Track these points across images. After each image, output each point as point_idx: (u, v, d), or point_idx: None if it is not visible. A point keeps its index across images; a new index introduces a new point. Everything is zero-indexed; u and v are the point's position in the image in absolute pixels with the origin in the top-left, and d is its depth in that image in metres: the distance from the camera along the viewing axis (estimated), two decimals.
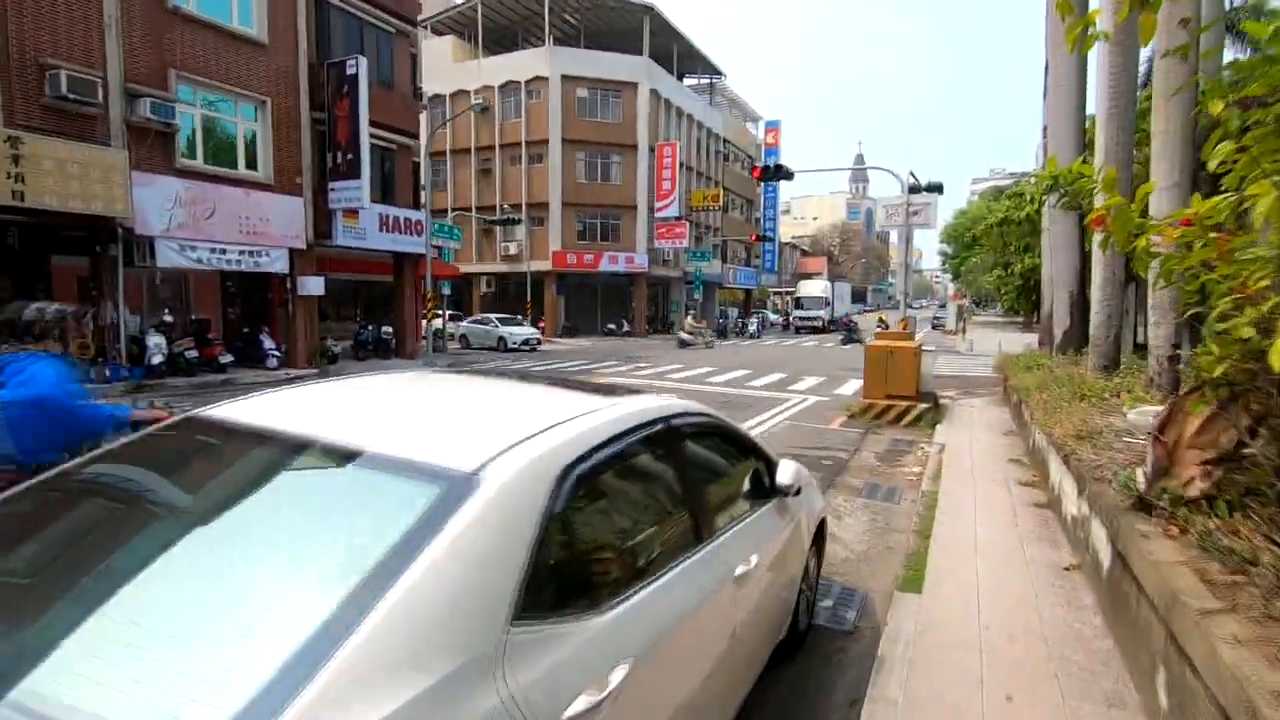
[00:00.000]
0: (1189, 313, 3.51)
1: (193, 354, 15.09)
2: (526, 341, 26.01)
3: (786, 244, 73.49)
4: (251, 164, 16.42)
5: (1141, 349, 10.06)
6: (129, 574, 1.44)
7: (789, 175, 19.84)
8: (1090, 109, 8.65)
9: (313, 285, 17.63)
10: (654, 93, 37.49)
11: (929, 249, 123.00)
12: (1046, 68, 10.97)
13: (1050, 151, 9.59)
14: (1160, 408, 3.39)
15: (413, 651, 1.23)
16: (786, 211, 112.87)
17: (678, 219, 37.97)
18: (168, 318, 15.16)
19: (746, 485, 2.90)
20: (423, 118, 25.35)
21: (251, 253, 16.21)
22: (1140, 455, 3.97)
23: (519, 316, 29.19)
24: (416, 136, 21.34)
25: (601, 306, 38.13)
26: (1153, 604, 2.84)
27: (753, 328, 40.35)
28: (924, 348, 12.42)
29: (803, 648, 3.56)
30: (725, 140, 47.92)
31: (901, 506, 6.35)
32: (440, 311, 24.42)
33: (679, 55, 41.63)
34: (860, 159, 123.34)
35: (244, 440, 1.86)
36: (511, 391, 2.55)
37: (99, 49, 13.12)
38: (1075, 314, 9.92)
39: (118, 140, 13.43)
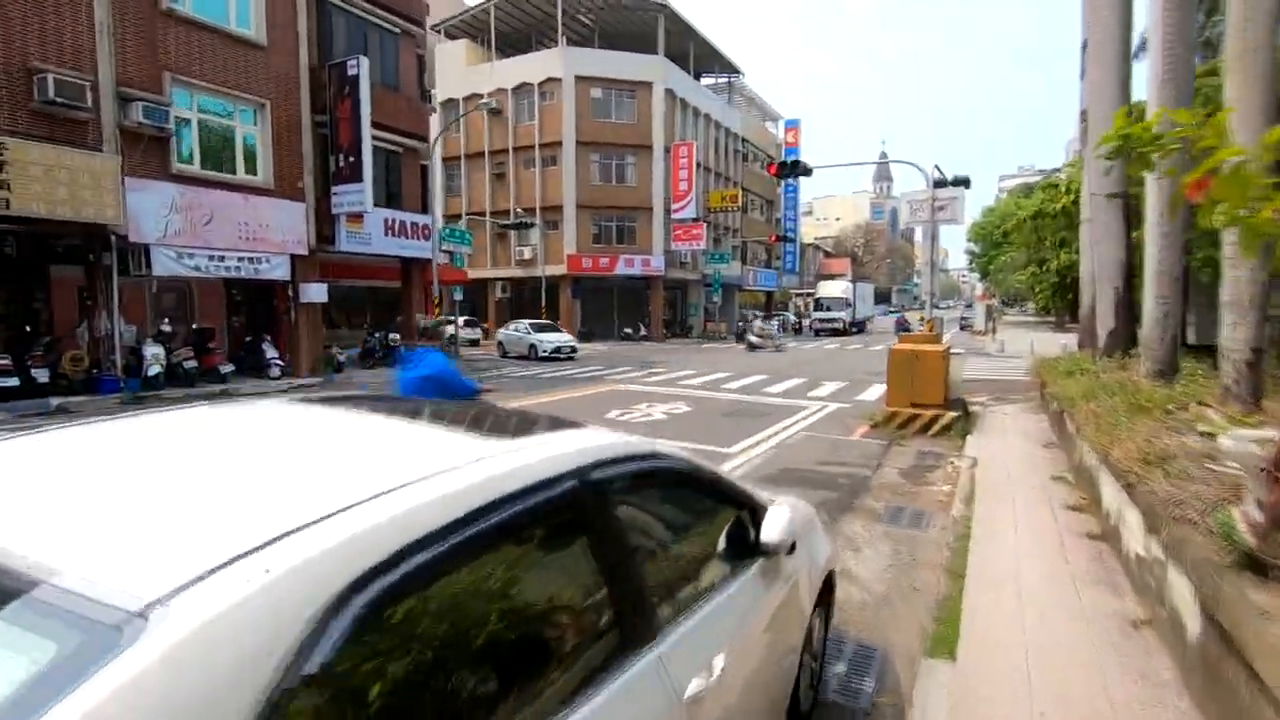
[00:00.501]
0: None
1: (191, 364, 14.68)
2: (559, 349, 23.86)
3: (809, 245, 72.24)
4: (251, 168, 16.01)
5: (1193, 351, 9.10)
6: None
7: (807, 171, 19.03)
8: (1137, 79, 7.77)
9: (315, 292, 17.17)
10: (669, 92, 36.75)
11: (955, 248, 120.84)
12: (1084, 46, 10.09)
13: (1091, 132, 8.70)
14: (1273, 433, 2.59)
15: None
16: (809, 212, 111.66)
17: (695, 220, 37.20)
18: (166, 327, 14.75)
19: (722, 544, 2.17)
20: (435, 122, 24.90)
21: (251, 259, 15.80)
22: (1232, 489, 3.17)
23: (554, 323, 27.96)
24: (424, 139, 20.85)
25: (618, 310, 37.41)
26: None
27: (773, 330, 39.30)
28: (952, 350, 11.54)
29: None
30: (744, 140, 47.03)
31: (929, 534, 5.56)
32: (451, 318, 23.91)
33: (696, 54, 40.87)
34: (884, 156, 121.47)
35: None
36: (349, 434, 1.79)
37: (89, 52, 12.76)
38: (1121, 312, 9.00)
39: (110, 145, 13.05)
